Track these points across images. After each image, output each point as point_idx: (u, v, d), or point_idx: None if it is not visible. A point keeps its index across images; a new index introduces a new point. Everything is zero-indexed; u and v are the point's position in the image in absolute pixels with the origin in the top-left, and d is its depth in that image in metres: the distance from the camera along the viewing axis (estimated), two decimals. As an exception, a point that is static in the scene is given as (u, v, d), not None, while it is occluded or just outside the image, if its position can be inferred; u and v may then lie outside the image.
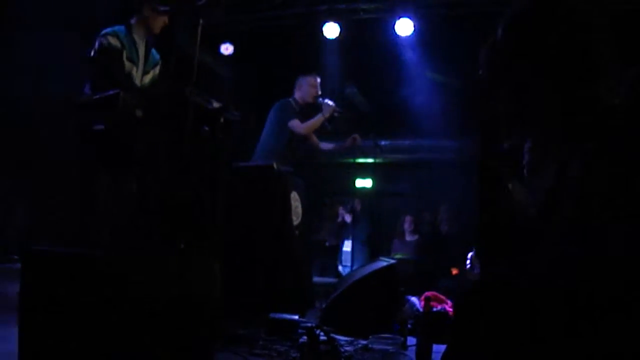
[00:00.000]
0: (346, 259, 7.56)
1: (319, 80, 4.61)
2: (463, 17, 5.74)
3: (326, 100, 4.44)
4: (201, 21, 2.94)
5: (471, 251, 3.01)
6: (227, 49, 6.48)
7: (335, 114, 4.40)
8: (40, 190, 4.67)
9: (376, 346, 2.59)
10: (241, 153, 4.29)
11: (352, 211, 7.71)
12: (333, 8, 5.82)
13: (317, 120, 4.39)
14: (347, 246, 7.66)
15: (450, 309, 3.07)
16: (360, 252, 7.48)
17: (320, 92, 4.56)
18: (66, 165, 3.92)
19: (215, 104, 3.01)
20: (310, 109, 4.56)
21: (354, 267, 6.55)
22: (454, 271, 5.39)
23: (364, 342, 2.69)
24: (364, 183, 9.45)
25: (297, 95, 4.58)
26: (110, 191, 3.19)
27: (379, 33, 6.07)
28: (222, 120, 3.02)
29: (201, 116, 2.95)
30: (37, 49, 4.54)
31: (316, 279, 3.83)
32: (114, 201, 3.22)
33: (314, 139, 4.66)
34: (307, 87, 4.55)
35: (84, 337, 1.68)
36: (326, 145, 4.80)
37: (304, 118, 4.44)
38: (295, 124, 4.37)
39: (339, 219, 7.99)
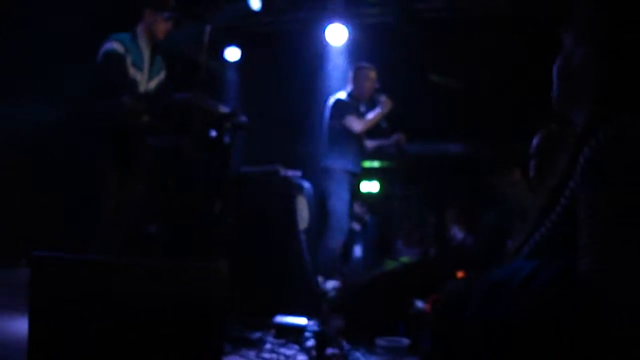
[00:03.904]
0: (356, 264, 7.54)
1: (375, 73, 4.36)
2: (465, 20, 5.75)
3: (383, 97, 4.23)
4: (208, 27, 2.97)
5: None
6: (233, 53, 6.50)
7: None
8: (49, 194, 4.70)
9: (383, 349, 2.60)
10: (248, 157, 4.29)
11: (360, 220, 7.63)
12: (337, 13, 5.83)
13: (375, 116, 4.18)
14: (358, 252, 7.63)
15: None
16: (369, 256, 7.47)
17: (377, 86, 4.31)
18: (75, 170, 3.95)
19: (223, 109, 3.03)
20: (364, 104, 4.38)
21: (362, 271, 6.54)
22: (460, 274, 5.38)
23: (371, 344, 2.69)
24: (370, 187, 9.43)
25: (353, 89, 4.35)
26: (118, 196, 3.22)
27: (383, 37, 6.07)
28: (229, 124, 3.04)
29: (208, 121, 2.97)
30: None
31: (323, 282, 3.85)
32: (122, 206, 3.25)
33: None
34: (365, 81, 4.33)
35: (92, 342, 1.70)
36: (370, 143, 4.60)
37: (359, 114, 4.26)
38: (351, 121, 4.17)
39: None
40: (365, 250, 7.43)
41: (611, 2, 1.15)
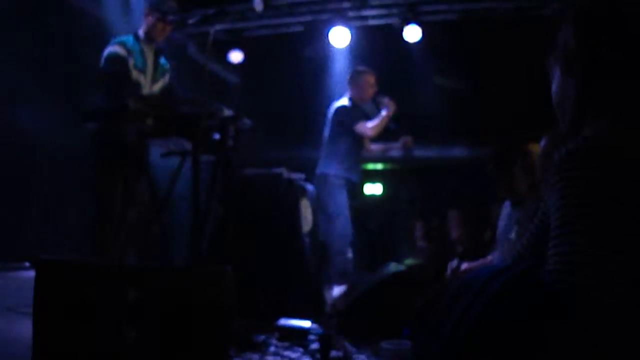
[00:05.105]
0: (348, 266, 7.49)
1: (373, 76, 4.41)
2: (469, 23, 5.74)
3: (385, 98, 4.26)
4: (212, 30, 2.97)
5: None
6: (236, 56, 6.49)
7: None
8: (52, 197, 4.70)
9: (388, 352, 2.59)
10: (251, 161, 4.29)
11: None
12: (341, 15, 5.83)
13: (382, 119, 4.21)
14: (349, 252, 7.58)
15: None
16: (367, 258, 7.43)
17: (376, 89, 4.36)
18: (79, 173, 3.95)
19: (226, 112, 3.03)
20: (366, 108, 4.41)
21: (360, 274, 6.51)
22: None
23: (376, 347, 2.69)
24: (373, 189, 9.42)
25: (354, 94, 4.38)
26: (122, 200, 3.21)
27: (387, 40, 6.06)
28: (232, 128, 3.03)
29: (212, 124, 2.96)
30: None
31: (332, 288, 3.87)
32: (126, 209, 3.25)
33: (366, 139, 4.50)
34: (365, 85, 4.35)
35: (96, 345, 1.70)
36: (376, 146, 4.65)
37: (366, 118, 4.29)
38: (362, 127, 4.21)
39: None
40: (361, 251, 7.39)
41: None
